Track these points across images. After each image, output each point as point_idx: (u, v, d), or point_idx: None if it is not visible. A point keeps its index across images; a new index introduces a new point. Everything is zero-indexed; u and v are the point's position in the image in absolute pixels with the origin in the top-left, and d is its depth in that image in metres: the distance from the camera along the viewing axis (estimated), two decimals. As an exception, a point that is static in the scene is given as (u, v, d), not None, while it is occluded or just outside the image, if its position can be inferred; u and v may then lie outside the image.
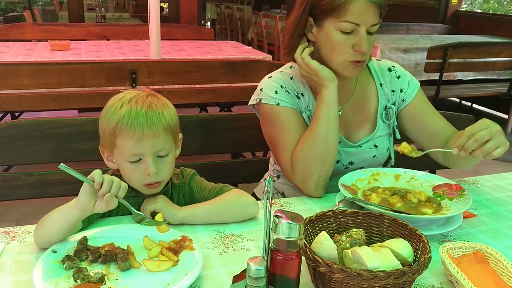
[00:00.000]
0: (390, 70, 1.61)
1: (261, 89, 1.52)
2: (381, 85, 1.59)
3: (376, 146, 1.57)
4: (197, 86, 3.16)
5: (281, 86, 1.49)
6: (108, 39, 4.63)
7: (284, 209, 1.37)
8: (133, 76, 2.89)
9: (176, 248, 1.08)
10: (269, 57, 3.72)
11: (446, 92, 4.58)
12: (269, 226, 0.89)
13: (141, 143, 1.16)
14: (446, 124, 1.57)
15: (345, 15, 1.34)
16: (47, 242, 1.07)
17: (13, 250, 1.10)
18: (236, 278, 0.95)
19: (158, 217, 1.12)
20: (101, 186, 1.04)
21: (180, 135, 1.31)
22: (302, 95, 1.52)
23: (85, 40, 4.49)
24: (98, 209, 1.05)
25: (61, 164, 1.00)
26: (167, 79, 3.02)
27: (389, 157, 1.63)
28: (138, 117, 1.16)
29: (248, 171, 2.00)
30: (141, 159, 1.19)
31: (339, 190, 1.37)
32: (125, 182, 1.27)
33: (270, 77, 1.54)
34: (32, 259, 1.07)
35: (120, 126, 1.16)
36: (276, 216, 0.88)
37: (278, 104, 1.47)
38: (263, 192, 1.64)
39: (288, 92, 1.49)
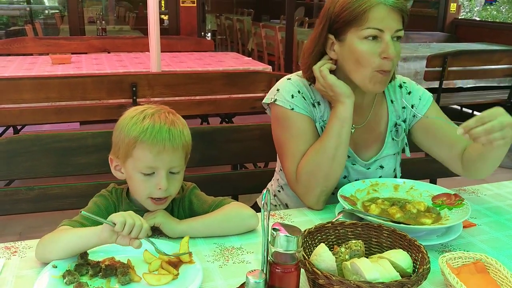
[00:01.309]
0: (401, 86, 1.60)
1: (277, 90, 1.50)
2: (392, 101, 1.58)
3: (382, 167, 1.55)
4: (198, 97, 3.18)
5: (299, 91, 1.48)
6: (109, 52, 4.66)
7: (283, 222, 1.37)
8: (134, 88, 2.91)
9: (175, 262, 1.08)
10: (268, 68, 3.74)
11: (447, 100, 4.59)
12: (267, 239, 0.89)
13: (160, 157, 1.18)
14: None
15: (367, 22, 1.32)
16: (51, 258, 1.08)
17: (14, 266, 1.11)
18: (236, 291, 0.95)
19: (184, 246, 1.11)
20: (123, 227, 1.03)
21: (189, 155, 1.32)
22: (319, 104, 1.50)
23: (86, 53, 4.52)
24: (120, 244, 1.05)
25: (82, 211, 1.08)
26: (168, 91, 3.04)
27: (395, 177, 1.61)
28: (161, 131, 1.18)
29: (250, 182, 2.00)
30: (154, 172, 1.20)
31: (339, 202, 1.38)
32: (125, 196, 1.30)
33: (289, 79, 1.52)
34: (33, 274, 1.07)
35: (142, 138, 1.17)
36: (274, 229, 0.89)
37: (292, 109, 1.46)
38: (261, 204, 1.65)
39: (305, 99, 1.48)
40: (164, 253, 1.08)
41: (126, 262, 1.07)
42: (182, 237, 1.21)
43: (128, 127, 1.21)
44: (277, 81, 3.21)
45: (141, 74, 3.07)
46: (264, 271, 0.90)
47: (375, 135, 1.56)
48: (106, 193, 1.30)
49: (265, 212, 0.88)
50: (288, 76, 1.56)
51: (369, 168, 1.55)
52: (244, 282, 0.95)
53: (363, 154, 1.55)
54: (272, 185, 1.77)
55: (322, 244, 1.00)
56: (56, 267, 1.05)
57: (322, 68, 1.42)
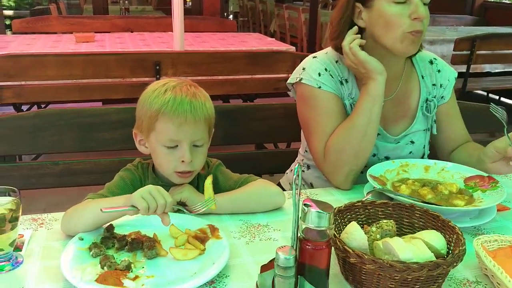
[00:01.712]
0: (431, 62, 1.56)
1: (303, 68, 1.48)
2: (422, 77, 1.54)
3: (412, 142, 1.52)
4: (220, 77, 3.15)
5: (325, 69, 1.45)
6: (131, 31, 4.65)
7: (310, 198, 1.34)
8: (157, 67, 2.89)
9: (202, 237, 1.07)
10: (292, 49, 3.68)
11: (474, 85, 4.47)
12: (298, 215, 0.87)
13: (182, 129, 1.17)
14: (465, 131, 1.58)
15: None
16: (76, 231, 1.07)
17: (41, 237, 1.11)
18: (264, 268, 0.93)
19: (208, 189, 1.12)
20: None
21: (212, 130, 1.31)
22: (346, 81, 1.47)
23: (109, 32, 4.52)
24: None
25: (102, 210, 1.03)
26: (191, 70, 3.02)
27: (424, 155, 1.58)
28: (182, 103, 1.16)
29: (272, 163, 1.98)
30: (177, 145, 1.19)
31: (368, 182, 1.34)
32: (151, 171, 1.28)
33: (315, 57, 1.49)
34: (59, 246, 1.07)
35: (163, 110, 1.16)
36: (305, 205, 0.86)
37: (319, 87, 1.43)
38: (292, 180, 1.63)
39: (332, 76, 1.45)
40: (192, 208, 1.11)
41: (152, 237, 1.06)
42: (208, 213, 1.21)
43: (150, 100, 1.20)
44: (301, 61, 3.17)
45: (165, 52, 3.05)
46: (294, 248, 0.88)
47: (404, 109, 1.52)
48: (132, 167, 1.29)
49: (296, 187, 0.85)
50: (314, 54, 1.53)
51: (399, 142, 1.51)
52: (273, 259, 0.93)
53: (392, 129, 1.51)
54: (295, 165, 1.74)
55: (354, 223, 0.98)
56: (82, 239, 1.04)
57: (352, 45, 1.37)
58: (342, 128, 1.39)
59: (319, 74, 1.44)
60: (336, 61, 1.48)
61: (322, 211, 0.84)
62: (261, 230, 1.16)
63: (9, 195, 1.01)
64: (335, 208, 1.02)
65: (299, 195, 0.86)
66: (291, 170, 1.78)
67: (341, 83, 1.47)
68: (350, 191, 1.41)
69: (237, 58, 3.12)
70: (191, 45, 3.74)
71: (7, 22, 6.20)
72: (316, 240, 0.86)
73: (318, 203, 0.87)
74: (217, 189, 1.30)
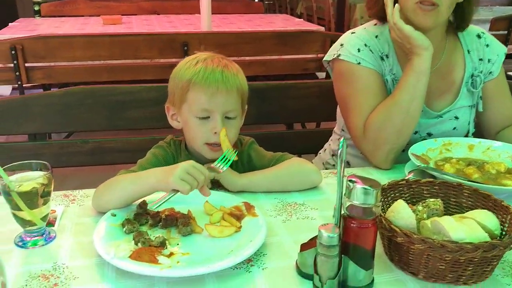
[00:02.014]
0: (479, 36, 1.48)
1: (341, 45, 1.42)
2: (468, 51, 1.46)
3: (456, 118, 1.45)
4: (248, 58, 3.09)
5: (365, 45, 1.39)
6: (158, 14, 4.62)
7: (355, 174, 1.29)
8: (185, 48, 2.85)
9: (238, 214, 1.03)
10: (321, 29, 3.59)
11: (510, 66, 4.29)
12: (342, 191, 0.82)
13: (214, 99, 1.14)
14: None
15: None
16: (107, 207, 1.04)
17: (72, 213, 1.09)
18: (304, 247, 0.89)
19: (224, 141, 1.12)
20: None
21: (245, 108, 1.27)
22: (387, 56, 1.41)
23: (135, 15, 4.50)
24: None
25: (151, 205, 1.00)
26: (218, 51, 2.90)
27: (469, 132, 1.51)
28: (214, 73, 1.14)
29: (304, 143, 1.93)
30: (209, 116, 1.16)
31: (408, 161, 1.28)
32: (184, 148, 1.25)
33: (353, 32, 1.44)
34: (91, 222, 1.04)
35: (194, 80, 1.14)
36: (350, 181, 0.81)
37: (359, 63, 1.37)
38: (329, 157, 1.57)
39: (372, 52, 1.39)
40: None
41: (186, 213, 1.03)
42: (242, 191, 1.17)
43: (181, 72, 1.18)
44: (332, 41, 3.07)
45: (193, 33, 3.01)
46: (338, 226, 0.83)
47: (447, 83, 1.45)
48: (164, 144, 1.26)
49: (340, 162, 0.80)
50: (352, 30, 1.47)
51: (442, 117, 1.44)
52: (314, 237, 0.89)
53: (435, 104, 1.44)
54: (330, 144, 1.69)
55: (401, 201, 0.92)
56: (115, 216, 1.01)
57: (395, 20, 1.30)
58: (383, 105, 1.33)
59: (358, 50, 1.38)
60: (376, 36, 1.42)
61: (369, 187, 0.79)
62: (297, 209, 1.12)
63: (41, 170, 0.98)
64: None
65: (343, 170, 0.81)
66: (325, 150, 1.73)
67: (382, 58, 1.40)
68: (389, 170, 1.35)
69: (265, 38, 3.04)
70: (218, 26, 3.68)
71: (36, 8, 6.24)
72: (362, 218, 0.81)
73: (364, 180, 0.82)
74: (251, 167, 1.26)
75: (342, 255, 0.83)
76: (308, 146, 1.88)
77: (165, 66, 2.92)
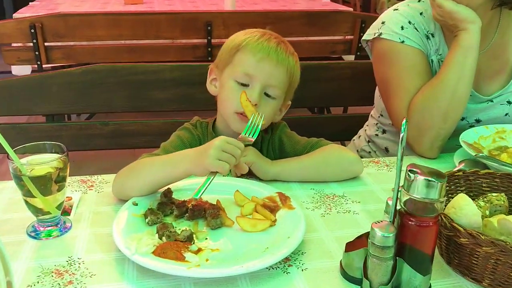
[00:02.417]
0: None
1: (382, 22, 1.30)
2: None
3: (509, 103, 1.31)
4: (274, 39, 2.96)
5: (409, 22, 1.27)
6: (180, -6, 4.50)
7: (415, 164, 1.17)
8: (209, 28, 2.74)
9: (272, 206, 0.92)
10: (350, 9, 3.43)
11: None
12: (399, 182, 0.70)
13: (260, 64, 1.05)
14: None
15: None
16: (130, 194, 0.94)
17: (90, 201, 0.99)
18: (350, 246, 0.78)
19: (247, 106, 1.04)
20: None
21: (289, 103, 1.18)
22: (433, 35, 1.28)
23: (157, -6, 4.38)
24: None
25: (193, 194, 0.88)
26: (243, 31, 2.84)
27: None
28: (269, 40, 1.07)
29: (335, 128, 1.80)
30: (249, 85, 1.06)
31: (457, 150, 1.16)
32: (211, 130, 1.15)
33: (396, 9, 1.31)
34: (111, 211, 0.95)
35: (247, 42, 1.07)
36: (411, 171, 0.69)
37: (403, 41, 1.25)
38: (365, 144, 1.45)
39: (417, 30, 1.26)
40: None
41: (215, 203, 0.92)
42: (274, 180, 1.06)
43: (236, 36, 1.12)
44: (362, 22, 2.91)
45: (217, 12, 2.88)
46: (393, 222, 0.71)
47: (499, 64, 1.31)
48: (190, 126, 1.15)
49: (401, 148, 0.68)
50: (394, 6, 1.34)
51: (492, 101, 1.30)
52: (362, 235, 0.78)
53: (485, 87, 1.31)
54: (365, 130, 1.56)
55: (463, 195, 0.80)
56: (137, 205, 0.91)
57: None
58: (428, 85, 1.21)
59: (402, 28, 1.26)
60: (421, 13, 1.29)
61: (433, 179, 0.67)
62: (337, 202, 1.01)
63: (56, 152, 0.89)
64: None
65: (402, 157, 0.69)
66: (359, 136, 1.61)
67: (427, 37, 1.27)
68: (436, 160, 1.23)
69: (292, 18, 2.90)
70: (241, 7, 3.55)
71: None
72: (422, 215, 0.70)
73: (425, 170, 0.70)
74: (283, 154, 1.15)
75: (397, 257, 0.72)
76: (341, 132, 1.76)
77: (187, 47, 2.81)
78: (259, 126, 1.03)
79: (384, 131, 1.46)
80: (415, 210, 0.70)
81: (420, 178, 0.68)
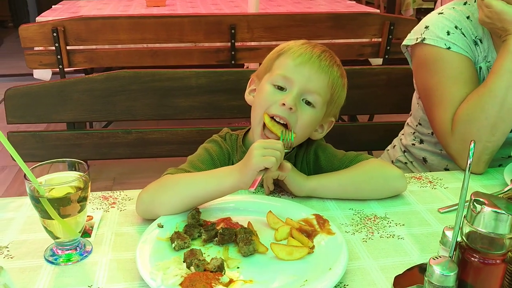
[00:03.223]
0: None
1: (426, 27, 1.21)
2: None
3: None
4: (299, 42, 2.88)
5: (456, 27, 1.18)
6: (202, -4, 4.44)
7: (444, 187, 1.08)
8: (232, 31, 2.67)
9: (309, 231, 0.84)
10: (377, 11, 3.33)
11: None
12: (462, 214, 0.61)
13: (301, 68, 0.98)
14: None
15: None
16: (159, 213, 0.87)
17: (112, 220, 0.92)
18: (401, 281, 0.69)
19: (273, 125, 0.98)
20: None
21: (333, 120, 1.10)
22: (481, 41, 1.19)
23: (179, -3, 4.34)
24: None
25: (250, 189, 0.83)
26: (268, 34, 2.76)
27: None
28: (314, 47, 1.02)
29: (368, 137, 1.71)
30: (286, 89, 0.99)
31: (502, 162, 1.06)
32: (241, 144, 1.08)
33: (441, 13, 1.22)
34: (134, 232, 0.88)
35: (291, 46, 1.02)
36: (476, 201, 0.60)
37: (448, 48, 1.16)
38: (400, 154, 1.36)
39: (464, 35, 1.17)
40: None
41: (246, 226, 0.85)
42: (308, 197, 0.99)
43: (281, 46, 1.06)
44: (391, 24, 2.80)
45: (241, 14, 2.81)
46: (452, 257, 0.63)
47: None
48: (219, 138, 1.08)
49: (467, 172, 0.59)
50: (438, 10, 1.25)
51: None
52: (412, 268, 0.69)
53: None
54: (401, 139, 1.47)
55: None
56: (162, 226, 0.84)
57: None
58: (475, 94, 1.12)
59: (448, 33, 1.17)
60: (468, 17, 1.19)
61: (503, 212, 0.58)
62: (379, 224, 0.92)
63: (76, 170, 0.82)
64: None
65: (468, 183, 0.60)
66: (394, 146, 1.52)
67: (475, 43, 1.18)
68: (483, 175, 1.13)
69: (319, 20, 2.82)
70: (265, 9, 3.48)
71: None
72: (488, 252, 0.61)
73: (491, 199, 0.61)
74: (317, 169, 1.07)
75: (457, 297, 0.63)
76: (374, 141, 1.68)
77: (210, 51, 2.75)
78: (292, 139, 0.96)
79: (421, 141, 1.37)
80: (480, 245, 0.61)
81: (488, 210, 0.59)
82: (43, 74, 2.80)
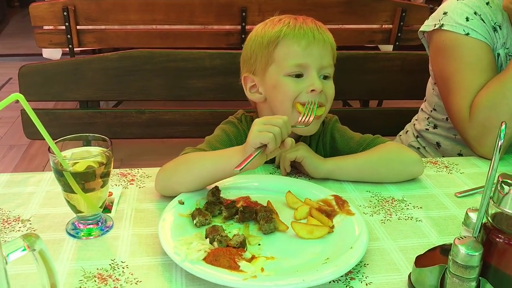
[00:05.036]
0: None
1: (444, 13, 1.20)
2: None
3: None
4: (310, 27, 2.86)
5: (475, 13, 1.17)
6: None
7: (450, 172, 1.08)
8: (243, 14, 2.66)
9: (328, 211, 0.85)
10: (390, -2, 3.29)
11: None
12: (490, 194, 0.62)
13: (309, 50, 0.97)
14: None
15: None
16: (177, 190, 0.88)
17: (132, 197, 0.93)
18: (422, 260, 0.70)
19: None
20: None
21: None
22: (500, 27, 1.18)
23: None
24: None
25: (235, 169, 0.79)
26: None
27: None
28: (306, 23, 1.00)
29: (379, 123, 1.71)
30: (303, 74, 0.98)
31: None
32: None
33: None
34: (154, 208, 0.89)
35: (284, 32, 0.98)
36: (504, 182, 0.60)
37: (467, 34, 1.15)
38: (413, 139, 1.36)
39: (483, 21, 1.16)
40: None
41: (266, 205, 0.85)
42: (325, 179, 0.99)
43: (263, 32, 1.01)
44: (403, 10, 2.78)
45: (252, -3, 2.79)
46: (477, 237, 0.63)
47: None
48: (235, 120, 1.08)
49: (496, 152, 0.59)
50: None
51: None
52: (434, 249, 0.70)
53: None
54: (415, 125, 1.47)
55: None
56: (183, 203, 0.85)
57: None
58: (496, 81, 1.12)
59: (467, 19, 1.16)
60: (487, 3, 1.18)
61: (532, 193, 0.59)
62: (397, 207, 0.92)
63: (99, 145, 0.83)
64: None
65: (497, 164, 0.60)
66: (406, 131, 1.52)
67: (494, 29, 1.17)
68: (500, 162, 1.13)
69: (330, 5, 2.79)
70: (276, -8, 3.44)
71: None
72: (513, 232, 0.61)
73: (518, 180, 0.61)
74: (334, 152, 1.07)
75: (480, 277, 0.63)
76: (386, 126, 1.67)
77: (220, 34, 2.74)
78: (315, 109, 0.95)
79: (435, 126, 1.37)
80: (506, 226, 0.61)
81: (515, 191, 0.59)
82: (52, 54, 2.79)
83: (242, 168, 0.77)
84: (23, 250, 0.51)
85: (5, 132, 3.15)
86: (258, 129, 0.81)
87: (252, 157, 0.79)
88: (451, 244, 0.63)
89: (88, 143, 0.83)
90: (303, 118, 0.94)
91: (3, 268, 0.48)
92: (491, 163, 0.60)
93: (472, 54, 1.16)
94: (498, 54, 1.18)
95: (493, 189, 0.61)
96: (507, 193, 0.60)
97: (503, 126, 0.58)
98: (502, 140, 0.58)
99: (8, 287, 0.49)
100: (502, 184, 0.60)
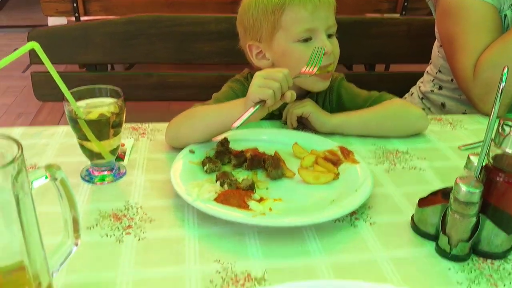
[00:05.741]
0: None
1: None
2: None
3: None
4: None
5: None
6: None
7: (453, 128, 1.10)
8: (248, -18, 2.64)
9: (334, 160, 0.87)
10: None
11: None
12: (491, 136, 0.64)
13: (317, 14, 0.98)
14: None
15: None
16: (185, 142, 0.90)
17: (143, 148, 0.96)
18: (424, 202, 0.73)
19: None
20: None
21: None
22: None
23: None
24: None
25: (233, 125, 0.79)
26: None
27: None
28: None
29: (385, 86, 1.70)
30: (311, 37, 0.99)
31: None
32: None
33: None
34: (165, 158, 0.92)
35: None
36: (506, 124, 0.63)
37: None
38: (418, 101, 1.37)
39: None
40: None
41: (273, 155, 0.88)
42: (332, 133, 1.01)
43: (272, 1, 1.00)
44: (412, -24, 2.71)
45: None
46: (478, 178, 0.66)
47: None
48: (241, 78, 1.10)
49: (499, 94, 0.61)
50: None
51: None
52: (436, 192, 0.73)
53: None
54: (420, 87, 1.49)
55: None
56: (194, 152, 0.88)
57: None
58: (500, 40, 1.13)
59: None
60: None
61: (531, 131, 0.61)
62: (401, 158, 0.95)
63: (111, 96, 0.85)
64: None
65: (497, 107, 0.62)
66: (411, 93, 1.53)
67: None
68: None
69: (336, -26, 2.78)
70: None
71: None
72: (513, 171, 0.64)
73: (518, 121, 0.63)
74: (341, 109, 1.09)
75: (480, 214, 0.66)
76: (391, 89, 1.68)
77: (226, 2, 2.73)
78: (322, 56, 0.95)
79: (440, 87, 1.39)
80: (506, 166, 0.64)
81: (516, 130, 0.61)
82: (57, 22, 2.80)
83: (240, 125, 0.78)
84: (45, 178, 0.54)
85: (13, 100, 3.18)
86: (258, 83, 0.82)
87: (251, 112, 0.80)
88: (452, 187, 0.66)
89: (100, 94, 0.86)
90: (308, 68, 0.95)
91: (30, 193, 0.50)
92: (493, 107, 0.62)
93: (478, 15, 1.16)
94: (505, 15, 1.19)
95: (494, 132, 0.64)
96: (508, 134, 0.62)
97: (506, 70, 0.60)
98: (504, 83, 0.60)
99: (34, 214, 0.52)
100: (503, 126, 0.63)
